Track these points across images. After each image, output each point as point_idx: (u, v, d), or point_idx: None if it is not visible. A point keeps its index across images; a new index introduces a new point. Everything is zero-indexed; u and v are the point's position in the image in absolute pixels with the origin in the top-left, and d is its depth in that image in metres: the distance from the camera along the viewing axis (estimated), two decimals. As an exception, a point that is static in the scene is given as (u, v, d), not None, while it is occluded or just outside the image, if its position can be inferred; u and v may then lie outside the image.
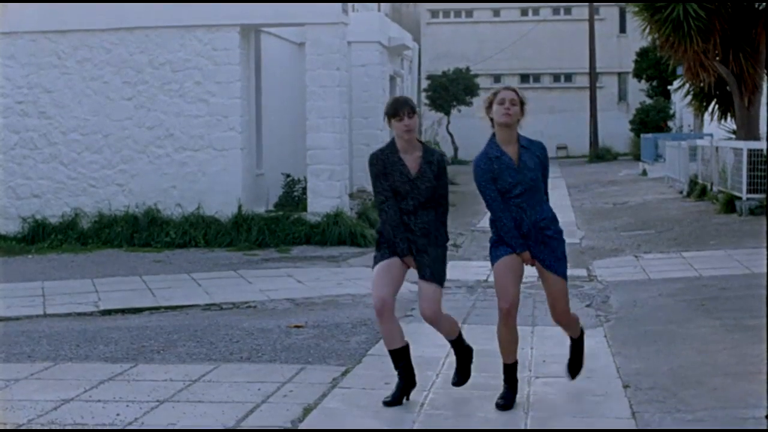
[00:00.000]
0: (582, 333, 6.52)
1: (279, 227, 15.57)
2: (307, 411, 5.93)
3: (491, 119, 6.04)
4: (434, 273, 6.07)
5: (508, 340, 6.09)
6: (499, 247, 6.06)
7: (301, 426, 5.65)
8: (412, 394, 6.19)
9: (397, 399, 6.09)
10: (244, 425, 5.67)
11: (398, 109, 6.01)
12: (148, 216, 15.89)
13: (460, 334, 6.39)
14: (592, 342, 8.04)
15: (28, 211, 16.26)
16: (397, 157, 6.06)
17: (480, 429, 5.66)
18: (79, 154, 16.29)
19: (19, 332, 8.94)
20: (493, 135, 6.07)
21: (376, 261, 6.18)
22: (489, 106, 6.03)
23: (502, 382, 6.15)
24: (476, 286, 11.43)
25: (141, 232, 15.67)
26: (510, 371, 6.15)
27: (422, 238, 6.06)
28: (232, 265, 13.39)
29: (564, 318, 6.23)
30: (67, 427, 5.66)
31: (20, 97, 16.33)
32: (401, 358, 6.15)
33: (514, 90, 6.06)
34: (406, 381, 6.15)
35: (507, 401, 6.04)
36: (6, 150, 16.35)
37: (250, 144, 16.67)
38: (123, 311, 10.20)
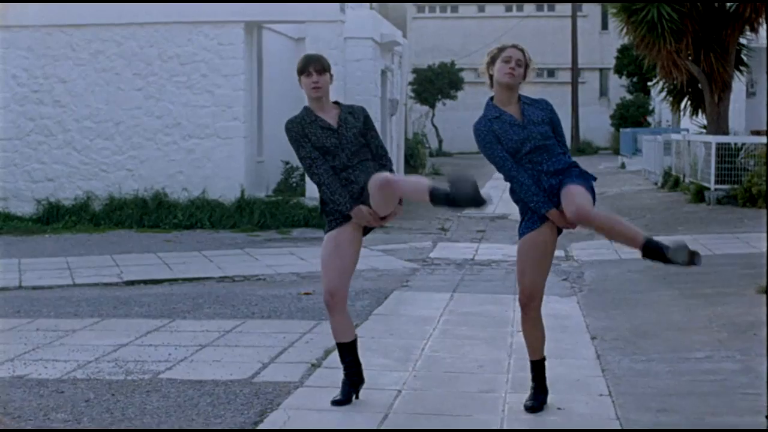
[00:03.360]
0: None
1: (279, 211, 16.67)
2: (327, 353, 7.08)
3: (490, 76, 5.44)
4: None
5: (533, 336, 5.53)
6: (522, 222, 5.44)
7: (325, 363, 6.80)
8: (414, 340, 7.34)
9: (347, 397, 5.70)
10: (278, 361, 6.85)
11: (307, 64, 5.65)
12: (156, 199, 16.95)
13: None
14: (567, 307, 9.27)
15: (43, 193, 17.28)
16: (314, 116, 5.67)
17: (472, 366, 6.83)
18: (92, 141, 17.34)
19: (58, 297, 10.05)
20: (491, 99, 5.48)
21: (326, 232, 5.68)
22: (491, 62, 5.43)
23: (529, 381, 5.67)
24: (464, 263, 12.61)
25: (150, 214, 16.71)
26: (537, 369, 5.58)
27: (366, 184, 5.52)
28: (237, 245, 14.49)
29: (586, 213, 5.23)
30: (129, 363, 6.80)
31: (36, 87, 17.34)
32: (349, 352, 5.74)
33: (522, 50, 5.44)
34: (354, 378, 5.74)
35: (536, 402, 5.50)
36: (22, 136, 17.36)
37: (252, 133, 17.76)
38: (145, 282, 11.27)
